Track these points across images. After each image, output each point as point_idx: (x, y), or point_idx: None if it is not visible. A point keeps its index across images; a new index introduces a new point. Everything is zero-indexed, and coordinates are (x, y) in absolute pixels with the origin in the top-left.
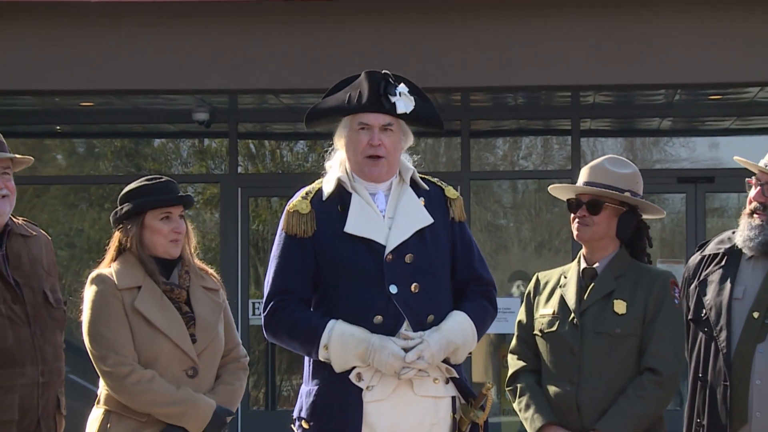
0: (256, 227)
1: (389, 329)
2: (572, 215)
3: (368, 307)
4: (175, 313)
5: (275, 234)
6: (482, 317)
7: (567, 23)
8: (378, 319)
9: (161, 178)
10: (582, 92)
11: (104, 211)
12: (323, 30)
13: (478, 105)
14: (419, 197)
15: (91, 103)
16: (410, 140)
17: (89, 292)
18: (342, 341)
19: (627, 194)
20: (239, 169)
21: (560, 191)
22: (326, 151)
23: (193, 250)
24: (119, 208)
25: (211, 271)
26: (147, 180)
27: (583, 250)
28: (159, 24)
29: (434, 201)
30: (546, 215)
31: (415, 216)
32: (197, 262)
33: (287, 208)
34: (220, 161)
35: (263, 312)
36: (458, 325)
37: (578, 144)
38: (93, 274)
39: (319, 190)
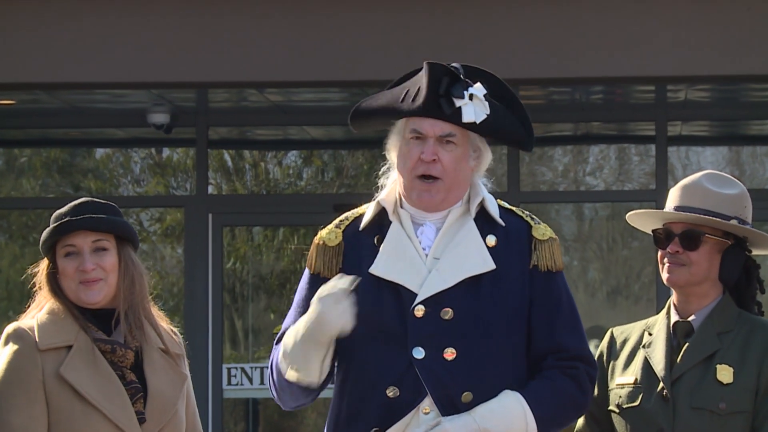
0: (233, 266)
1: (404, 405)
2: (660, 252)
3: (381, 374)
4: (116, 381)
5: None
6: (553, 402)
7: None
8: (392, 391)
9: (79, 200)
10: (670, 86)
11: (29, 245)
12: (324, 6)
13: (530, 103)
14: (488, 234)
15: (12, 101)
16: (487, 159)
17: (2, 353)
18: (288, 347)
19: (734, 222)
20: (210, 189)
21: (642, 219)
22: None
23: (144, 297)
24: None
25: (173, 328)
26: (71, 203)
27: (673, 298)
28: None
29: (512, 241)
30: (622, 251)
31: (470, 258)
32: (157, 314)
33: (315, 238)
34: (184, 178)
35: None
36: (502, 409)
37: (665, 155)
38: (9, 328)
39: (359, 218)
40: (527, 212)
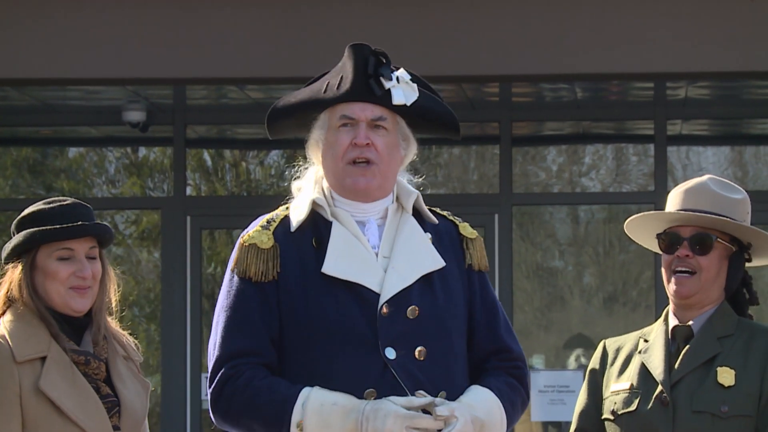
0: (213, 271)
1: None
2: (666, 258)
3: (356, 378)
4: (93, 395)
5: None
6: (511, 399)
7: None
8: (370, 393)
9: (65, 200)
10: (670, 82)
11: None
12: None
13: (523, 101)
14: (425, 232)
15: None
16: (413, 150)
17: None
18: (322, 415)
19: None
20: (188, 190)
21: (642, 227)
22: (291, 167)
23: (109, 304)
24: (10, 240)
25: (126, 334)
26: (45, 203)
27: (671, 306)
28: None
29: (444, 240)
30: (619, 255)
31: (421, 255)
32: (110, 320)
33: (240, 240)
34: (161, 179)
35: (209, 387)
36: (483, 401)
37: (664, 155)
38: None
39: (285, 219)
40: (447, 211)
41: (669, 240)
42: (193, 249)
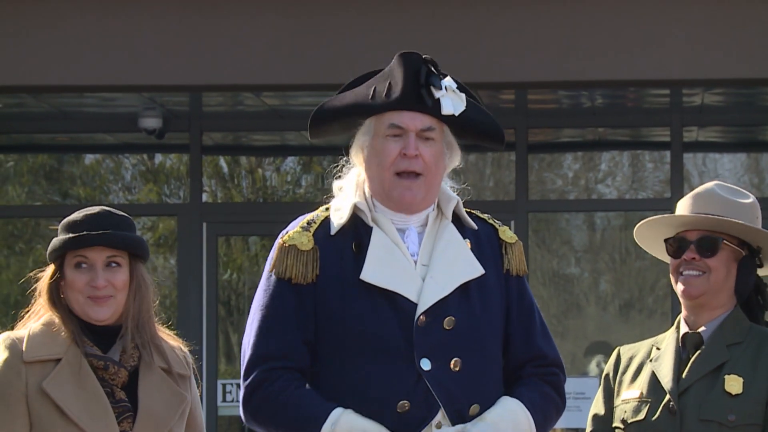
0: (229, 277)
1: (418, 421)
2: (673, 262)
3: (389, 388)
4: (102, 399)
5: (261, 277)
6: (544, 408)
7: None
8: (403, 405)
9: (93, 209)
10: (686, 89)
11: (15, 255)
12: (323, 7)
13: (539, 108)
14: (464, 239)
15: None
16: (457, 158)
17: None
18: None
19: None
20: (204, 197)
21: (652, 234)
22: (335, 166)
23: (150, 316)
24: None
25: (183, 348)
26: (80, 212)
27: (683, 313)
28: None
29: (484, 245)
30: (635, 262)
31: (460, 264)
32: (163, 332)
33: (280, 240)
34: (177, 185)
35: (242, 383)
36: (509, 414)
37: (680, 162)
38: (3, 336)
39: (326, 221)
40: (487, 214)
41: (676, 244)
42: (209, 255)
